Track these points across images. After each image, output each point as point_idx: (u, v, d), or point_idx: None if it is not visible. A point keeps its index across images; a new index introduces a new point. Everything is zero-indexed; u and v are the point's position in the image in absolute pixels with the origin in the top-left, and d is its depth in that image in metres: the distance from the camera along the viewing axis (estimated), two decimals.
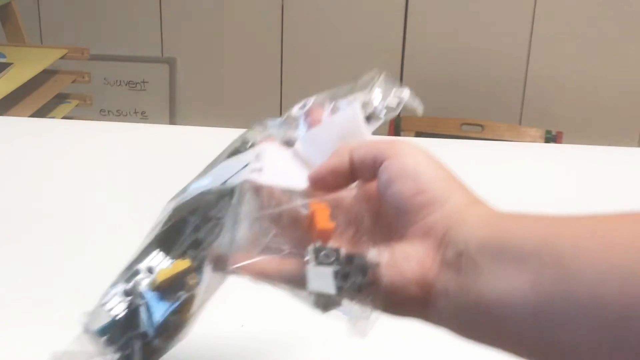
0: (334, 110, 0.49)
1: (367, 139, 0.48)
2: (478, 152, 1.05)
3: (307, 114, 0.50)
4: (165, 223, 0.48)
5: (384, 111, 0.49)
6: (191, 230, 0.46)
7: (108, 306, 0.46)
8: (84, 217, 0.83)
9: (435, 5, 2.39)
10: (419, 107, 0.49)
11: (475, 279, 0.38)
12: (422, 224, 0.41)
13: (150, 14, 2.57)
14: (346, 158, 0.45)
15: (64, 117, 2.24)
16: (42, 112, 2.11)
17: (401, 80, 2.45)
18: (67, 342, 0.61)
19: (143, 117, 2.69)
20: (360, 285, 0.40)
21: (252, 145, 0.50)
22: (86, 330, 0.46)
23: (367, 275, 0.40)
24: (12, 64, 2.10)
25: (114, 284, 0.47)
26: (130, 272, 0.47)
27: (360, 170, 0.45)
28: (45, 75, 2.20)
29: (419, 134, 2.29)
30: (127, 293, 0.46)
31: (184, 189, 0.51)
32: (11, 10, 2.30)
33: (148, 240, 0.48)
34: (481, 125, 2.29)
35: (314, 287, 0.40)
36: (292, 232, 0.45)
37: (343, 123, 0.48)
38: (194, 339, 0.63)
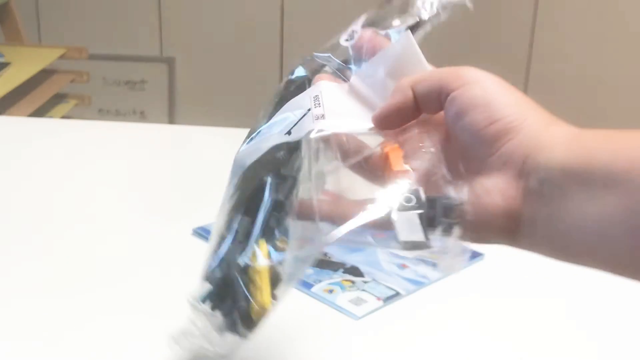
0: (383, 34, 0.48)
1: (427, 69, 0.46)
2: None
3: (358, 45, 0.48)
4: (244, 185, 0.47)
5: (435, 16, 0.48)
6: (270, 191, 0.45)
7: (208, 276, 0.46)
8: (82, 216, 0.82)
9: None
10: (469, 3, 0.48)
11: (563, 206, 0.37)
12: (499, 155, 0.40)
13: (149, 13, 2.56)
14: (409, 94, 0.43)
15: (63, 117, 2.24)
16: (40, 112, 2.10)
17: None
18: (74, 338, 0.61)
19: (142, 116, 2.68)
20: (447, 226, 0.40)
21: (307, 82, 0.49)
22: (191, 302, 0.47)
23: (453, 216, 0.40)
24: (10, 63, 2.10)
25: (210, 254, 0.47)
26: (221, 240, 0.47)
27: (425, 104, 0.43)
28: (44, 74, 2.20)
29: None
30: (222, 262, 0.46)
31: (250, 137, 0.49)
32: (9, 9, 2.29)
33: (230, 204, 0.47)
34: None
35: (403, 237, 0.40)
36: (369, 177, 0.44)
37: (399, 54, 0.46)
38: None
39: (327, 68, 0.49)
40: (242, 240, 0.45)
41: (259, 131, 0.49)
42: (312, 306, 0.67)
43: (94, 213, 0.83)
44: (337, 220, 0.42)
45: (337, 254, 0.75)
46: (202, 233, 0.78)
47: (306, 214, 0.43)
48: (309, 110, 0.46)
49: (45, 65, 2.17)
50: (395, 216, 0.40)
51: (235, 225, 0.46)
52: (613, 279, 0.38)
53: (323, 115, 0.45)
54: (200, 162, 0.98)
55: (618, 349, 0.63)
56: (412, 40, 0.46)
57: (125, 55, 2.61)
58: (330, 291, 0.68)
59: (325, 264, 0.73)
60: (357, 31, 0.48)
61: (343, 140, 0.44)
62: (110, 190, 0.89)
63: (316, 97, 0.46)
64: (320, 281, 0.70)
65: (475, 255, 0.74)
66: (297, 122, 0.46)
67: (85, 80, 2.34)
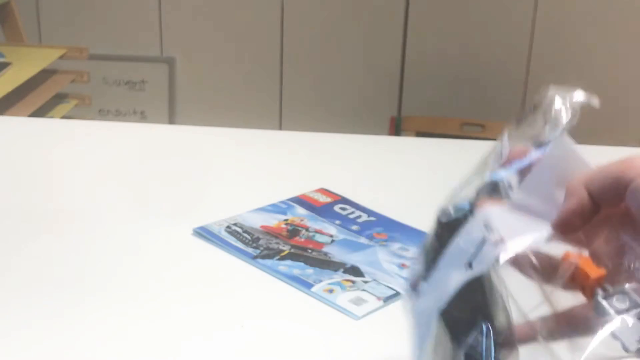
0: (537, 147, 0.47)
1: (590, 166, 0.45)
2: (478, 152, 1.04)
3: (510, 161, 0.48)
4: (453, 338, 0.45)
5: (571, 119, 0.49)
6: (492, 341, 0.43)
7: None
8: (82, 216, 0.82)
9: (436, 5, 2.39)
10: (594, 102, 0.50)
11: None
12: None
13: (149, 13, 2.56)
14: (584, 194, 0.43)
15: (63, 117, 2.24)
16: (41, 112, 2.10)
17: (401, 80, 2.44)
18: (59, 336, 0.61)
19: (142, 117, 2.68)
20: None
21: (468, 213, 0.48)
22: None
23: None
24: (10, 63, 2.10)
25: None
26: None
27: (604, 200, 0.43)
28: (44, 74, 2.20)
29: (419, 134, 2.28)
30: None
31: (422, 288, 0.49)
32: (10, 9, 2.29)
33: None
34: (481, 125, 2.29)
35: (632, 346, 0.40)
36: (564, 288, 0.44)
37: (559, 159, 0.46)
38: (194, 339, 0.63)
39: (482, 193, 0.49)
40: None
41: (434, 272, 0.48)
42: (312, 306, 0.67)
43: (94, 213, 0.83)
44: (563, 333, 0.42)
45: (337, 254, 0.75)
46: (202, 233, 0.78)
47: (526, 337, 0.43)
48: (485, 238, 0.45)
49: (46, 65, 2.17)
50: (615, 322, 0.40)
51: None
52: None
53: (502, 239, 0.44)
54: (200, 162, 0.98)
55: None
56: (570, 143, 0.47)
57: (125, 55, 2.61)
58: (331, 291, 0.68)
59: (325, 263, 0.73)
60: (504, 150, 0.49)
61: (532, 260, 0.44)
62: (110, 190, 0.89)
63: (487, 224, 0.46)
64: (320, 281, 0.70)
65: None
66: (477, 253, 0.45)
67: (85, 81, 2.34)
